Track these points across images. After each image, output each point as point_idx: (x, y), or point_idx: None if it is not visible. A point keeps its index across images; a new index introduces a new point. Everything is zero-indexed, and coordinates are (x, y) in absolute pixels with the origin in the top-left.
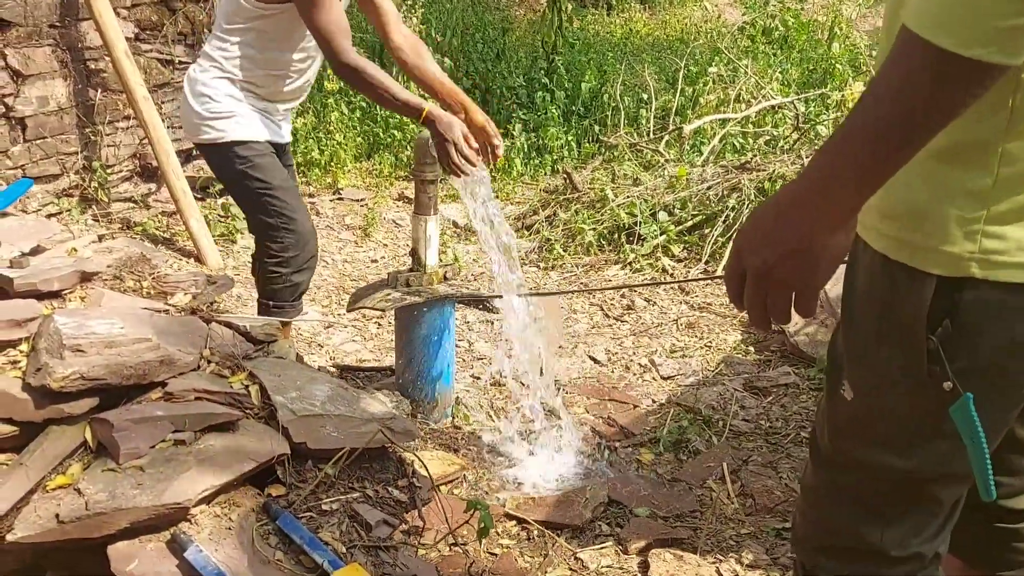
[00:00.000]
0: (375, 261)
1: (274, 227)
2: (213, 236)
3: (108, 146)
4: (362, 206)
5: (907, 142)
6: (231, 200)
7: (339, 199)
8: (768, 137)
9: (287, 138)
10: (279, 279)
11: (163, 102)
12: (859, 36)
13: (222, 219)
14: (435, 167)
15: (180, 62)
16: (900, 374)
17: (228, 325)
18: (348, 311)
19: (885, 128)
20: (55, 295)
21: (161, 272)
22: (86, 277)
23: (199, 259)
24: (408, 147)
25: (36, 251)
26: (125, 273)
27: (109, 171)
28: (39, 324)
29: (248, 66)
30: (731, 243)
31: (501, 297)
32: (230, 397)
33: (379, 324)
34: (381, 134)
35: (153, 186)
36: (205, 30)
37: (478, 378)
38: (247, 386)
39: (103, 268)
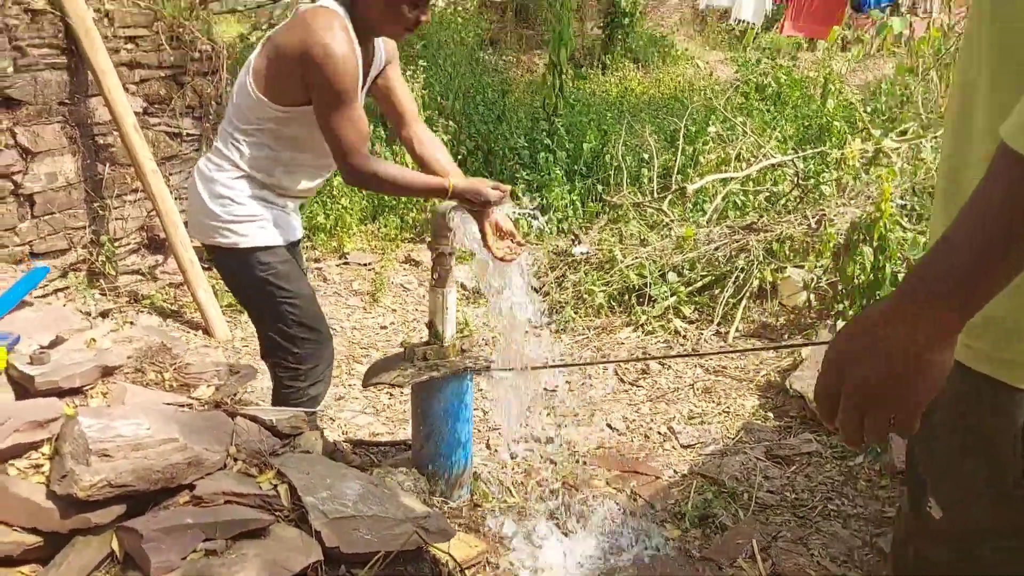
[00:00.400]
0: (384, 328)
1: (293, 337)
2: (220, 306)
3: (116, 219)
4: (369, 270)
5: (1012, 256)
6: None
7: (345, 264)
8: (767, 194)
9: (300, 233)
10: (295, 394)
11: (171, 174)
12: (851, 91)
13: (227, 290)
14: (450, 241)
15: (188, 134)
16: (985, 485)
17: (254, 419)
18: (364, 386)
19: (989, 244)
20: (76, 391)
21: (182, 362)
22: (107, 371)
23: (207, 331)
24: (414, 208)
25: (55, 343)
26: (146, 365)
27: (116, 244)
28: (62, 425)
29: (267, 165)
30: (824, 358)
31: (519, 369)
32: (259, 499)
33: (391, 395)
34: (386, 196)
35: (160, 258)
36: (213, 103)
37: (495, 450)
38: (276, 486)
39: (124, 361)
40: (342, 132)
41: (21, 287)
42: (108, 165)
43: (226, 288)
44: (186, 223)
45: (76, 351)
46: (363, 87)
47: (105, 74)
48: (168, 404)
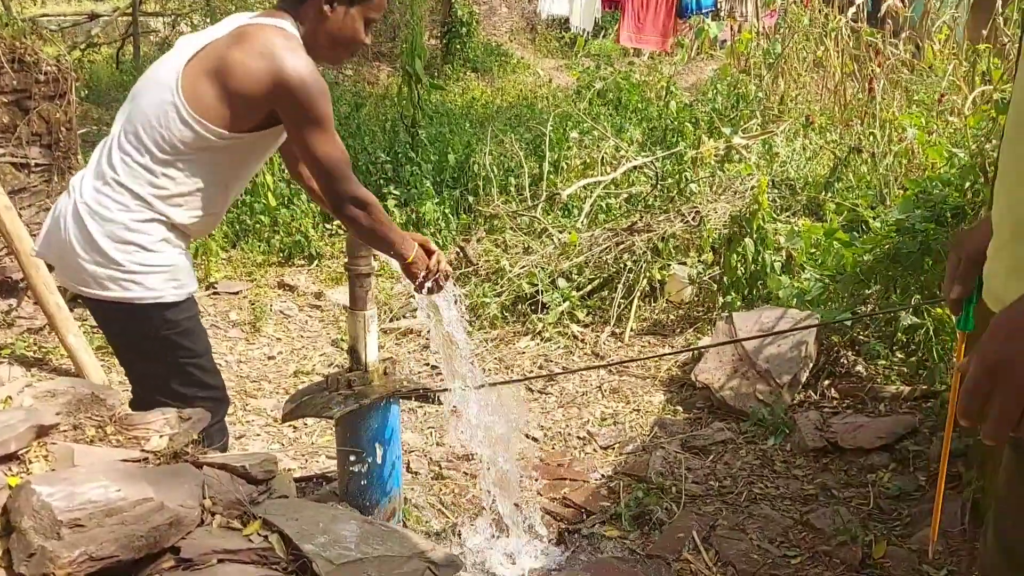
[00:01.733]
0: (272, 358)
1: (187, 398)
2: (91, 349)
3: None
4: (242, 299)
5: None
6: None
7: (215, 293)
8: (627, 195)
9: None
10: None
11: (20, 209)
12: (681, 93)
13: (95, 330)
14: (369, 260)
15: (36, 164)
16: None
17: (223, 467)
18: (284, 420)
19: None
20: (12, 457)
21: (121, 413)
22: (43, 431)
23: (80, 378)
24: (280, 231)
25: None
26: (83, 419)
27: None
28: (8, 498)
29: (185, 202)
30: (979, 358)
31: (449, 391)
32: (254, 554)
33: (295, 427)
34: (248, 220)
35: (13, 302)
36: (62, 128)
37: (416, 473)
38: (266, 536)
39: (57, 418)
40: (332, 156)
41: None
42: None
43: (92, 328)
44: (50, 267)
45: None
46: None
47: None
48: (124, 461)
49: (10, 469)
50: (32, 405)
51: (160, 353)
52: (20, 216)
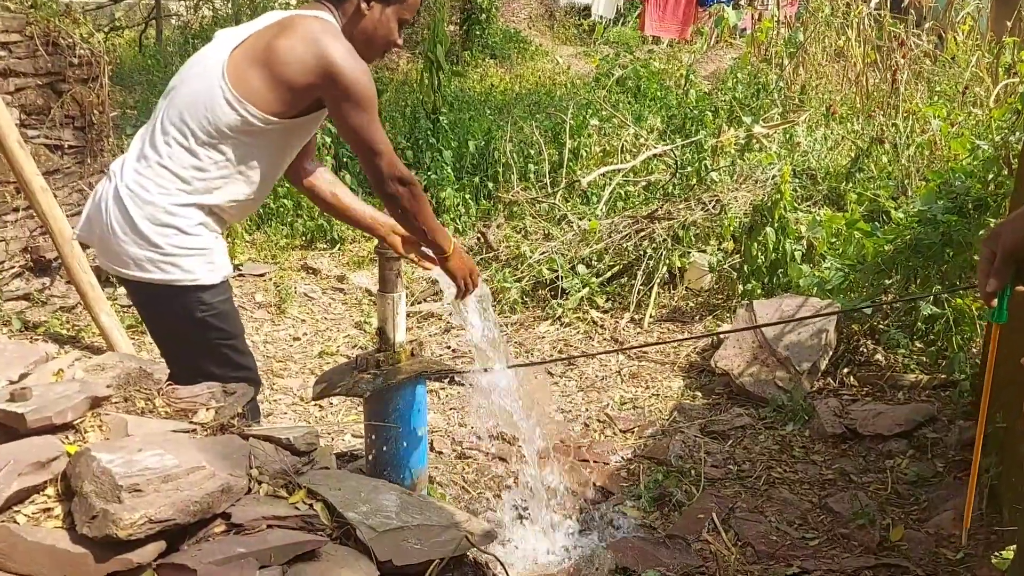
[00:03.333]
0: (297, 339)
1: (221, 377)
2: (123, 327)
3: None
4: (267, 281)
5: None
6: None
7: (240, 275)
8: (645, 183)
9: None
10: None
11: (55, 190)
12: (700, 81)
13: (125, 309)
14: None
15: (69, 146)
16: None
17: (268, 439)
18: (315, 399)
19: None
20: (69, 426)
21: (169, 386)
22: (96, 403)
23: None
24: (303, 215)
25: (21, 379)
26: (133, 392)
27: None
28: (69, 464)
29: (229, 188)
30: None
31: (479, 371)
32: (301, 520)
33: (321, 407)
34: (271, 203)
35: (47, 280)
36: (95, 111)
37: (440, 452)
38: (311, 505)
39: (109, 391)
40: (376, 136)
41: None
42: None
43: (123, 308)
44: (84, 246)
45: (54, 384)
46: None
47: None
48: (174, 431)
49: (67, 437)
50: (84, 378)
51: (196, 334)
52: (56, 196)
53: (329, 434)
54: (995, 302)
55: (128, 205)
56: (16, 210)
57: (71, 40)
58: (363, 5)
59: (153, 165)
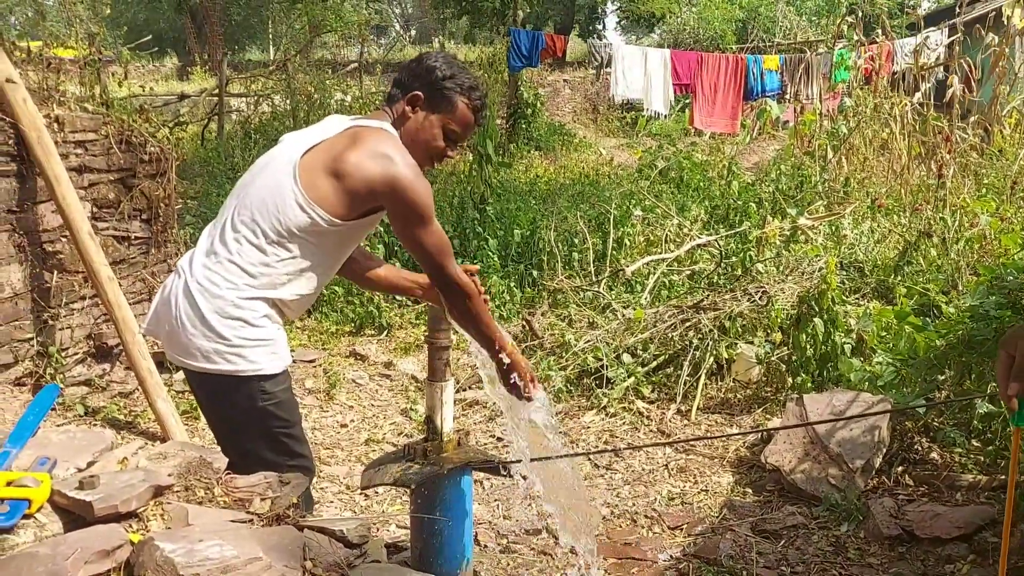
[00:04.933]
0: (345, 426)
1: (278, 465)
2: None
3: (62, 329)
4: (317, 367)
5: None
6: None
7: (291, 362)
8: (689, 272)
9: None
10: None
11: (120, 279)
12: (746, 174)
13: (180, 395)
14: (449, 334)
15: (136, 238)
16: None
17: (322, 531)
18: (363, 489)
19: None
20: (132, 515)
21: (228, 476)
22: (159, 491)
23: (165, 441)
24: (355, 300)
25: (89, 466)
26: (193, 481)
27: (63, 354)
28: (132, 552)
29: (294, 283)
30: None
31: (519, 461)
32: None
33: (367, 496)
34: (323, 291)
35: (107, 366)
36: (161, 205)
37: (484, 546)
38: None
39: (171, 480)
40: (438, 244)
41: (37, 410)
42: (56, 273)
43: (177, 394)
44: (144, 336)
45: (120, 473)
46: None
47: (59, 181)
48: (232, 521)
49: (131, 526)
50: (147, 466)
51: (256, 422)
52: (120, 285)
53: (375, 524)
54: (1016, 405)
55: (198, 299)
56: (83, 298)
57: (143, 139)
58: (407, 108)
59: (223, 261)
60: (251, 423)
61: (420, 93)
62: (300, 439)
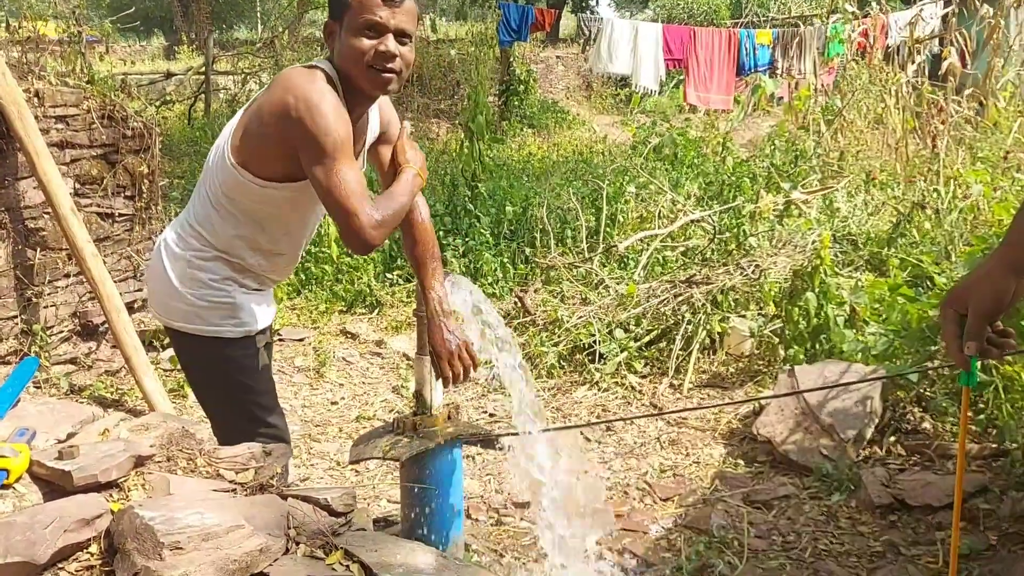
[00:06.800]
0: (335, 403)
1: (248, 433)
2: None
3: (46, 307)
4: (307, 345)
5: None
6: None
7: (280, 340)
8: (683, 248)
9: (271, 318)
10: None
11: (105, 256)
12: (739, 149)
13: (168, 373)
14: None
15: (120, 215)
16: None
17: (306, 499)
18: (352, 463)
19: None
20: (113, 485)
21: (210, 447)
22: (140, 462)
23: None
24: (343, 280)
25: (69, 438)
26: (175, 452)
27: (48, 333)
28: (112, 521)
29: (238, 247)
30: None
31: (515, 434)
32: None
33: (357, 471)
34: (313, 269)
35: (93, 345)
36: (145, 181)
37: (475, 519)
38: (347, 566)
39: (153, 450)
40: (339, 191)
41: (16, 382)
42: (39, 250)
43: (178, 368)
44: (142, 300)
45: (99, 444)
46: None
47: (40, 156)
48: (214, 491)
49: (111, 495)
50: (128, 437)
51: (218, 385)
52: (104, 263)
53: (365, 500)
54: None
55: (164, 259)
56: (67, 276)
57: (125, 113)
58: (329, 43)
59: (183, 223)
60: (213, 385)
61: (329, 21)
62: (270, 408)
